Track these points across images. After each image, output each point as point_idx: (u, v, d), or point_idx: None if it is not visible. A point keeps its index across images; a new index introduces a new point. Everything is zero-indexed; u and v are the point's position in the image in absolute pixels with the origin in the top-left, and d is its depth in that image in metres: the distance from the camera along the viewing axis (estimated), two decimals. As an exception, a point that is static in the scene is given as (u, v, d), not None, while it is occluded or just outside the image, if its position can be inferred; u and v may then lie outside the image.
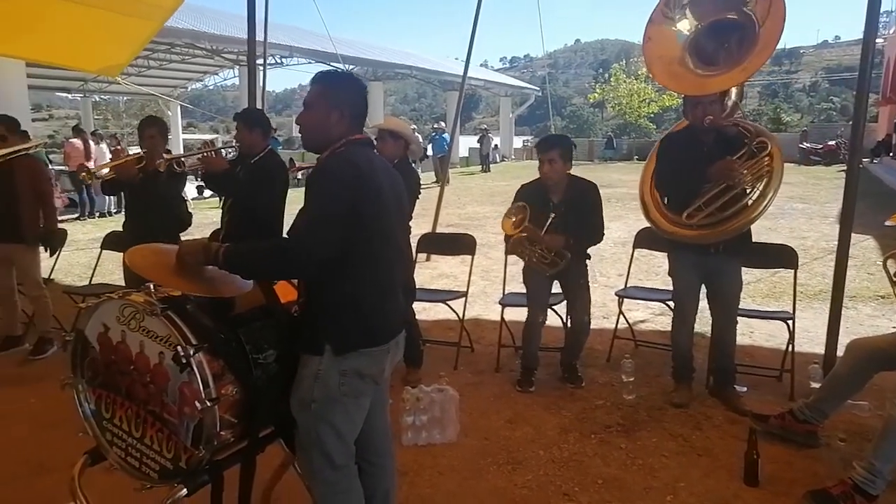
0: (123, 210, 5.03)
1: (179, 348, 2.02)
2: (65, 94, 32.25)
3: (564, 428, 3.70)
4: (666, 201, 3.93)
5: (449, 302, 4.78)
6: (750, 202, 3.63)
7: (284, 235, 2.16)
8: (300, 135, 2.39)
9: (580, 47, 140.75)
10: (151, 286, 2.20)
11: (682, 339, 3.99)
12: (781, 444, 3.37)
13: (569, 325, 4.41)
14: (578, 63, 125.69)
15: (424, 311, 5.21)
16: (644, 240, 5.05)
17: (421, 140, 4.54)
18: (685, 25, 3.75)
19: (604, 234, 4.23)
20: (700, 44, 3.72)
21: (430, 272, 7.42)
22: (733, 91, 3.75)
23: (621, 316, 4.86)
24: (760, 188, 3.62)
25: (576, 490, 3.07)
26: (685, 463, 3.29)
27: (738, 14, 3.56)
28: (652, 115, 35.24)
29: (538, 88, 37.99)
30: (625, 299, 4.85)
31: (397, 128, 3.95)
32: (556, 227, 4.02)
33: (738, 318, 3.95)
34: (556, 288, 4.32)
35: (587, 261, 4.26)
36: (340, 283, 2.16)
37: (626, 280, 5.10)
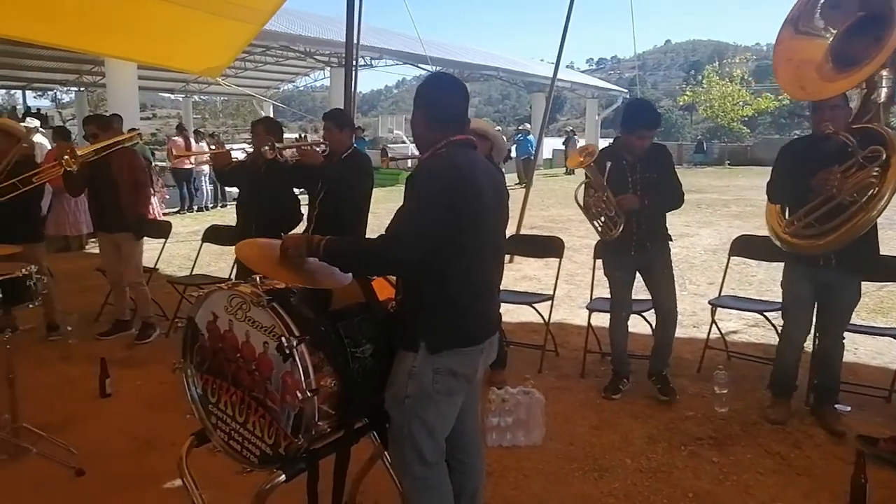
0: (236, 203, 5.28)
1: (283, 339, 2.10)
2: (168, 95, 34.14)
3: (652, 437, 3.61)
4: (781, 209, 3.76)
5: (534, 305, 4.75)
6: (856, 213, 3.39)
7: (382, 232, 2.20)
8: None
9: (670, 48, 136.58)
10: (258, 278, 2.30)
11: (788, 354, 3.81)
12: (892, 469, 3.17)
13: (654, 323, 4.24)
14: (668, 65, 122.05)
15: (508, 313, 5.20)
16: (740, 247, 4.87)
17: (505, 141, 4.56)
18: (821, 28, 3.57)
19: (683, 198, 4.02)
20: (840, 47, 3.51)
21: (514, 274, 7.40)
22: (883, 92, 3.46)
23: (714, 325, 4.69)
24: (864, 200, 3.37)
25: (665, 502, 3.00)
26: (783, 482, 3.14)
27: (880, 8, 3.33)
28: (746, 119, 33.76)
29: (626, 90, 37.15)
30: (718, 308, 4.68)
31: (482, 128, 3.98)
32: (633, 186, 3.90)
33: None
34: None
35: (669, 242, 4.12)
36: (438, 282, 2.19)
37: (719, 289, 4.91)
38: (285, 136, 5.81)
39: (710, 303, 4.71)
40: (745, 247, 4.86)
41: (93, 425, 3.83)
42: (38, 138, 8.89)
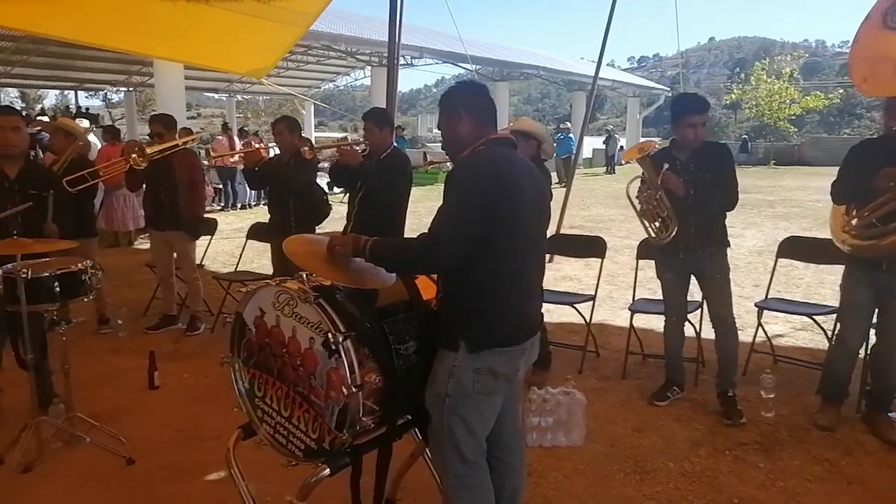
0: (268, 201, 5.40)
1: (330, 335, 2.13)
2: (212, 94, 34.84)
3: (696, 441, 3.55)
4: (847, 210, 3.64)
5: (576, 305, 4.71)
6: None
7: (425, 231, 2.22)
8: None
9: (714, 45, 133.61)
10: (304, 275, 2.34)
11: (841, 359, 3.70)
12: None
13: (714, 337, 4.01)
14: (712, 62, 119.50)
15: (548, 313, 5.10)
16: (788, 249, 4.76)
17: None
18: None
19: (737, 199, 3.81)
20: None
21: (554, 273, 7.35)
22: None
23: (760, 328, 4.58)
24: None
25: (709, 507, 2.95)
26: (833, 491, 3.06)
27: None
28: (793, 117, 32.85)
29: (668, 89, 36.53)
30: (764, 311, 4.57)
31: (529, 128, 3.96)
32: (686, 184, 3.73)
33: None
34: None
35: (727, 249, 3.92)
36: (479, 281, 2.20)
37: (766, 291, 4.80)
38: (326, 134, 5.90)
39: (756, 305, 4.61)
40: (794, 248, 4.75)
41: (142, 416, 3.94)
42: (90, 137, 9.18)
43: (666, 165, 3.74)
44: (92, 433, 3.45)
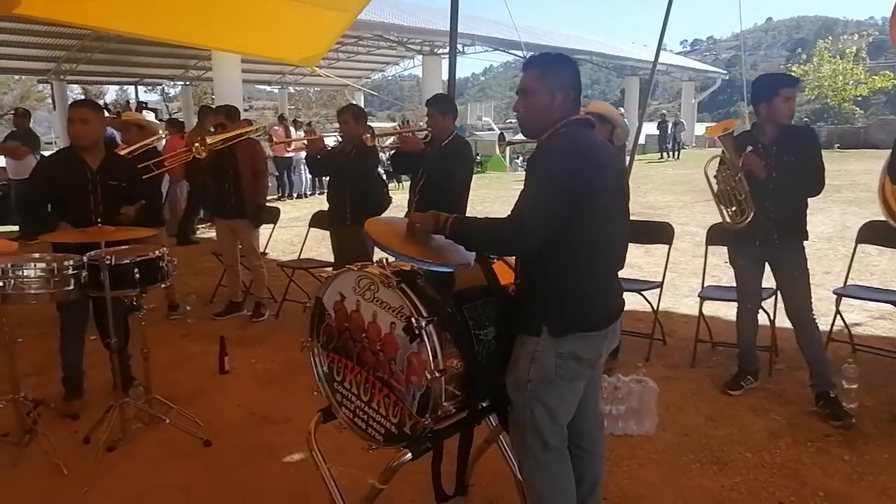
0: (327, 190, 5.45)
1: (413, 319, 2.13)
2: (264, 87, 35.46)
3: (774, 432, 3.44)
4: None
5: (643, 292, 4.61)
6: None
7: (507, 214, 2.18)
8: (518, 122, 2.40)
9: (772, 26, 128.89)
10: (385, 260, 2.34)
11: None
12: None
13: (794, 333, 3.77)
14: (769, 43, 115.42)
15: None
16: (867, 234, 4.56)
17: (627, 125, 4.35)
18: None
19: (824, 184, 3.61)
20: None
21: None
22: None
23: (838, 317, 4.41)
24: None
25: (792, 500, 2.85)
26: (927, 486, 2.92)
27: None
28: (858, 99, 31.48)
29: (724, 72, 35.50)
30: (843, 299, 4.39)
31: (604, 111, 3.88)
32: (769, 169, 3.56)
33: None
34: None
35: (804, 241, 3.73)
36: (562, 265, 2.16)
37: (845, 278, 4.61)
38: (375, 123, 5.92)
39: (835, 293, 4.41)
40: (873, 233, 4.54)
41: (215, 399, 4.04)
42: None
43: (749, 147, 3.59)
44: (170, 415, 3.56)
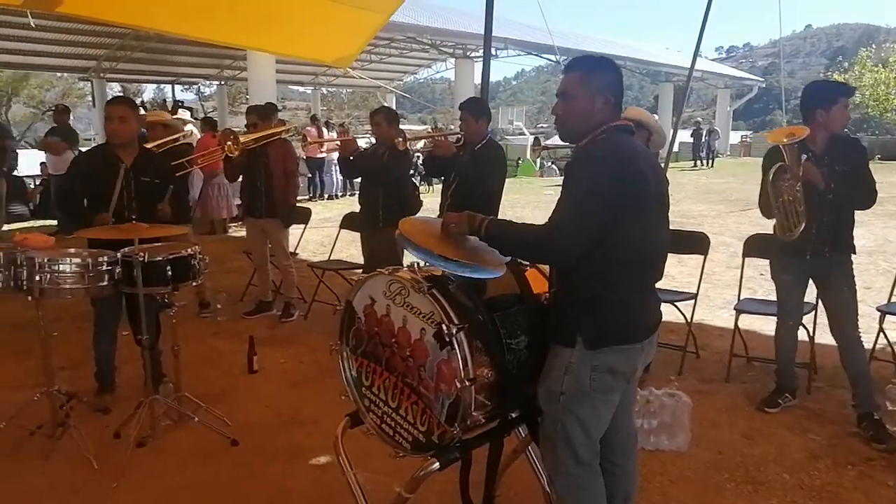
0: (359, 192, 5.43)
1: (444, 326, 2.09)
2: (297, 87, 35.75)
3: (813, 453, 3.32)
4: None
5: (676, 303, 4.52)
6: None
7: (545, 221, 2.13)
8: (556, 125, 2.35)
9: (811, 33, 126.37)
10: (416, 264, 2.30)
11: None
12: None
13: (839, 351, 3.65)
14: (808, 51, 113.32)
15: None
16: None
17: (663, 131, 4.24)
18: None
19: (876, 196, 3.49)
20: None
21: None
22: None
23: (881, 334, 4.26)
24: None
25: (832, 525, 2.75)
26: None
27: None
28: (902, 109, 30.61)
29: (761, 79, 34.87)
30: (887, 316, 4.24)
31: (641, 117, 3.80)
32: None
33: None
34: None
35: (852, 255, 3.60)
36: (599, 274, 2.10)
37: (889, 294, 4.46)
38: (406, 126, 5.90)
39: (879, 309, 4.26)
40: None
41: (243, 399, 4.05)
42: (190, 128, 9.59)
43: (804, 156, 3.44)
44: (199, 413, 3.56)
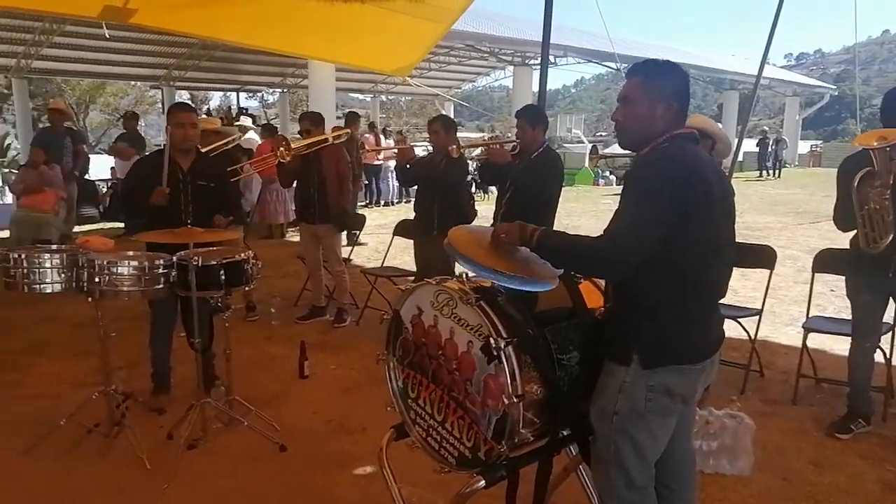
0: (415, 199, 5.42)
1: (492, 340, 2.02)
2: (356, 95, 36.30)
3: (889, 485, 3.10)
4: None
5: (739, 319, 4.31)
6: None
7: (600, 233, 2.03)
8: (615, 131, 2.25)
9: (888, 39, 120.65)
10: (465, 275, 2.24)
11: None
12: None
13: None
14: (884, 58, 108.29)
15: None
16: None
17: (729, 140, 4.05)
18: None
19: None
20: None
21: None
22: None
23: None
24: None
25: (910, 565, 2.54)
26: None
27: None
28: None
29: (833, 87, 33.47)
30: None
31: (704, 125, 3.64)
32: None
33: None
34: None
35: None
36: (658, 289, 1.99)
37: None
38: (464, 135, 5.86)
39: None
40: None
41: (292, 404, 4.06)
42: (250, 134, 9.80)
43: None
44: (248, 417, 3.59)
